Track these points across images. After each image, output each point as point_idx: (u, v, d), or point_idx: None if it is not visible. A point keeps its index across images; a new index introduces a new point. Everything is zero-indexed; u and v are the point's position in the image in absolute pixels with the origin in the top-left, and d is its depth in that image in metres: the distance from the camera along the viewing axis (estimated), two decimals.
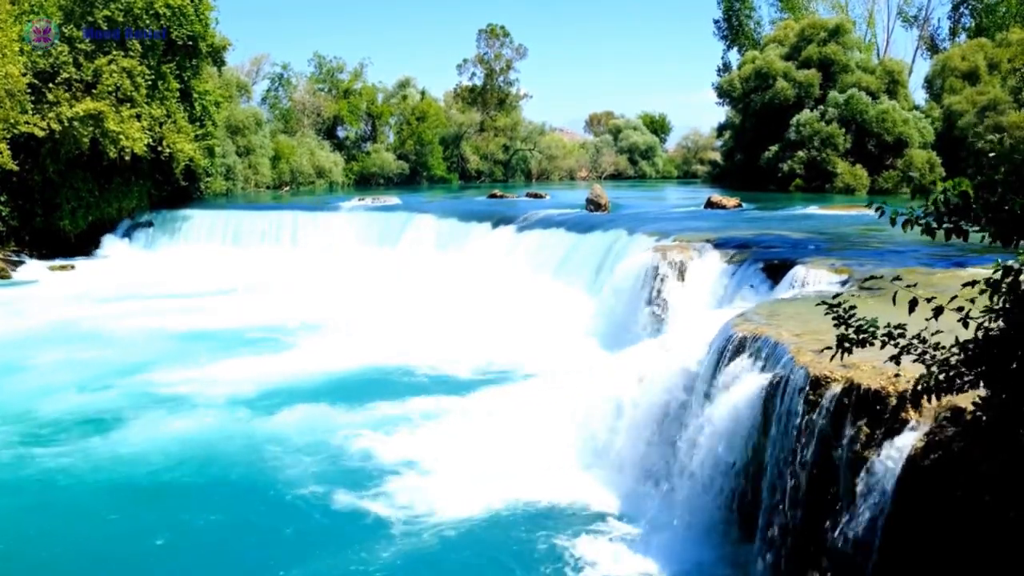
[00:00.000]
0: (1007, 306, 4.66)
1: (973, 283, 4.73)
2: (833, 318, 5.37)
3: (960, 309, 4.76)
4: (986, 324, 4.79)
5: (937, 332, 4.99)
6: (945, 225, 4.70)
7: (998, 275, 4.67)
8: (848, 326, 5.28)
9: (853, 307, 5.41)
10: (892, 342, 5.15)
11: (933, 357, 5.02)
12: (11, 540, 8.94)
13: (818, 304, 5.65)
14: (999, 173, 4.70)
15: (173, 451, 11.32)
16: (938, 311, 4.77)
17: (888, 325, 5.17)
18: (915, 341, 5.11)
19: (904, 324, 5.12)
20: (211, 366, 15.53)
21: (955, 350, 4.92)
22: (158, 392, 13.94)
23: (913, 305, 4.86)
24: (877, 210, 5.00)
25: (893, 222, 4.91)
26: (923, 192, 4.81)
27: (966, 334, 4.87)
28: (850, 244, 16.54)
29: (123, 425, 12.28)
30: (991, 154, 4.86)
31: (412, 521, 9.16)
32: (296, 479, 10.33)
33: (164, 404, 13.26)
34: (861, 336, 5.23)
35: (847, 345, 5.25)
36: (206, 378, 14.72)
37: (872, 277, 6.04)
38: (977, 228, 4.75)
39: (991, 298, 4.70)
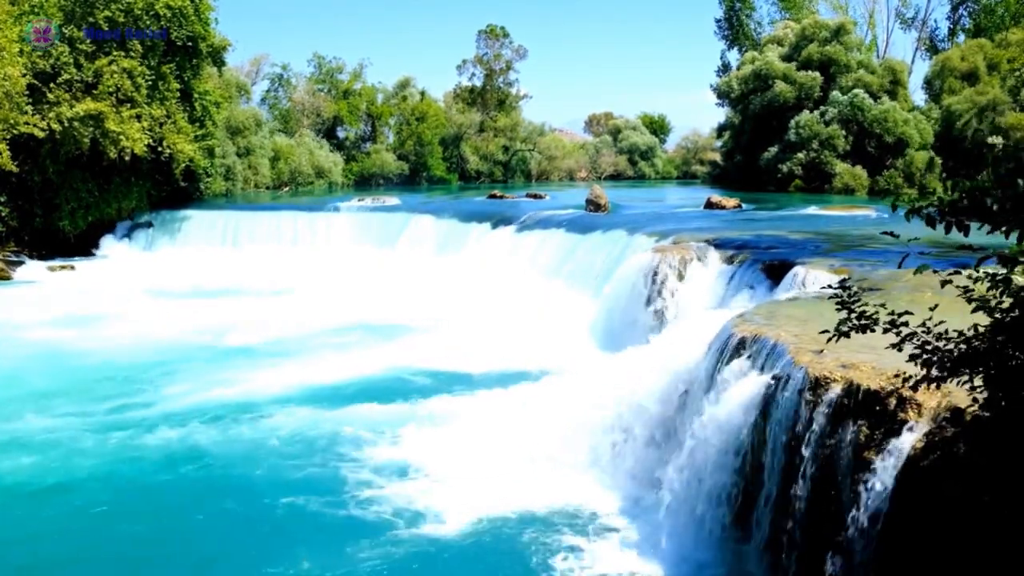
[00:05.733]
0: (1008, 304, 4.67)
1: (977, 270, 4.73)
2: (837, 302, 5.39)
3: (966, 288, 4.77)
4: (986, 318, 4.82)
5: (941, 322, 5.00)
6: (948, 218, 4.71)
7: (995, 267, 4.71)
8: (851, 311, 5.31)
9: (858, 293, 5.44)
10: (895, 330, 5.16)
11: (936, 348, 5.04)
12: (10, 537, 8.95)
13: (824, 287, 5.67)
14: (1005, 168, 4.72)
15: (170, 452, 11.33)
16: (934, 308, 4.80)
17: (892, 313, 5.19)
18: (918, 330, 5.13)
19: (908, 311, 5.13)
20: (208, 368, 15.53)
21: (955, 339, 4.94)
22: (156, 393, 13.95)
23: (921, 270, 4.85)
24: (883, 200, 5.03)
25: (894, 208, 4.93)
26: (924, 192, 4.82)
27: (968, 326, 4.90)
28: (850, 245, 16.54)
29: (127, 427, 12.28)
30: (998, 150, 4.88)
31: (410, 522, 9.17)
32: (296, 481, 10.34)
33: (163, 406, 13.26)
34: (863, 322, 5.24)
35: (846, 329, 5.27)
36: (203, 380, 14.73)
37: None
38: (980, 223, 4.76)
39: (995, 289, 4.72)
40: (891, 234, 5.11)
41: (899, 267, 5.18)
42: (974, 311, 4.85)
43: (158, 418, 12.64)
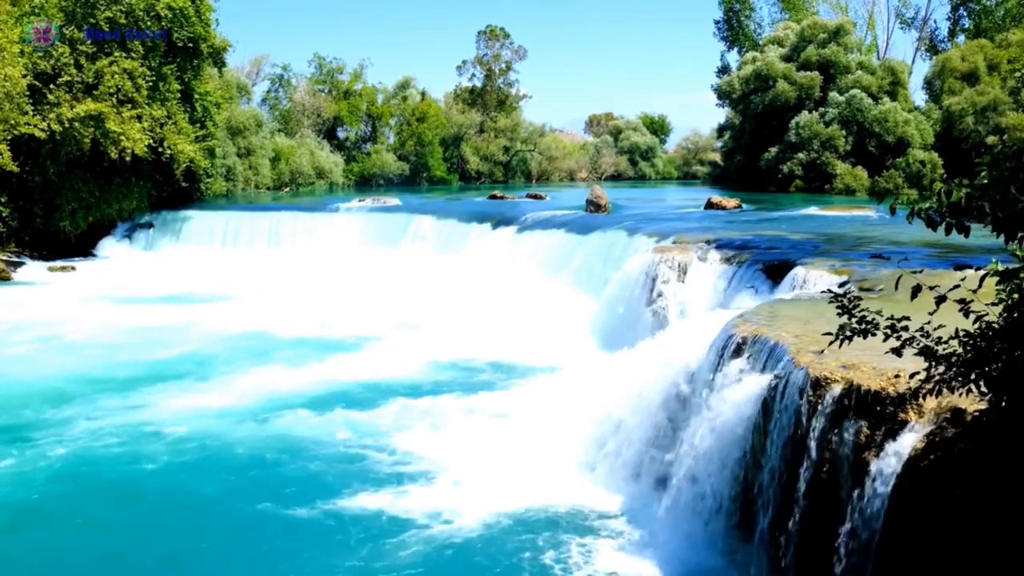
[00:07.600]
0: (1015, 303, 4.67)
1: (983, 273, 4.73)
2: (837, 307, 5.40)
3: (962, 301, 4.78)
4: (990, 318, 4.81)
5: (940, 327, 5.00)
6: (948, 220, 4.71)
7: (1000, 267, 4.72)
8: (851, 315, 5.32)
9: (858, 298, 5.46)
10: (895, 335, 5.17)
11: (935, 352, 5.04)
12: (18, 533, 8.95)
13: (823, 292, 5.68)
14: (1004, 169, 4.72)
15: (175, 454, 11.33)
16: (940, 299, 4.79)
17: (891, 317, 5.20)
18: (918, 335, 5.13)
19: (908, 317, 5.15)
20: (208, 370, 15.54)
21: (956, 344, 4.94)
22: (159, 394, 13.96)
23: (916, 291, 4.87)
24: (882, 202, 5.04)
25: (893, 211, 4.94)
26: (921, 189, 4.84)
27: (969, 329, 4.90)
28: (850, 245, 16.55)
29: (136, 427, 12.28)
30: (995, 150, 4.87)
31: (410, 523, 9.17)
32: (300, 482, 10.33)
33: (165, 407, 13.27)
34: (864, 327, 5.25)
35: (848, 334, 5.28)
36: (205, 382, 14.74)
37: (879, 257, 6.07)
38: (980, 223, 4.76)
39: (1003, 287, 4.72)
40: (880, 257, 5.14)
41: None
42: (975, 321, 4.85)
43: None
